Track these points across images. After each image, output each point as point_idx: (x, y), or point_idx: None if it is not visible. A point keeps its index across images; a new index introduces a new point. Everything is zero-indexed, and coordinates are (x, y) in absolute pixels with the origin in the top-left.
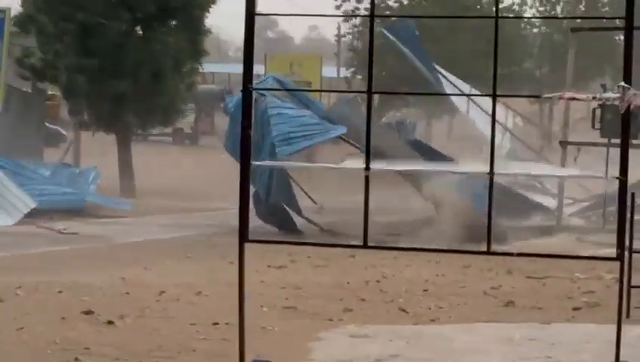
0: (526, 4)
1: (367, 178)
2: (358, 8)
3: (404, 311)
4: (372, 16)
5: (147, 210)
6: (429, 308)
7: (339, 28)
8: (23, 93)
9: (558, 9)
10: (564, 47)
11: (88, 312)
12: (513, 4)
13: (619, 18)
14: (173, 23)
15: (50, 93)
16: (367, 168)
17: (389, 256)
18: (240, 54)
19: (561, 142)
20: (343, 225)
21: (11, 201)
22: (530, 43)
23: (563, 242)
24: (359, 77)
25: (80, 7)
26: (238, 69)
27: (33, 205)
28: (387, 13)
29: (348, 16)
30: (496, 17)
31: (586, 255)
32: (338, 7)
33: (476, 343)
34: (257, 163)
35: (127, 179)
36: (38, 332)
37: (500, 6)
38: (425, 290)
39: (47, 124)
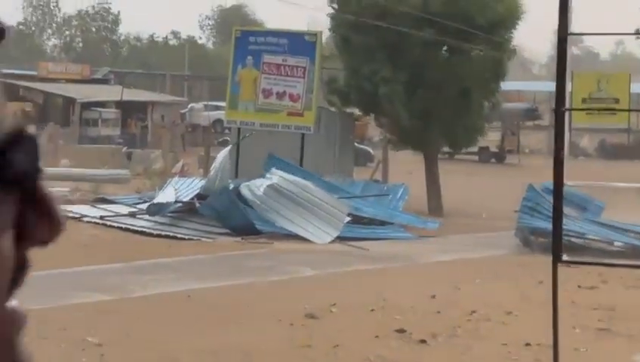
0: None
1: None
2: None
3: None
4: None
5: (454, 229)
6: None
7: None
8: (333, 113)
9: None
10: None
11: (401, 331)
12: None
13: None
14: (477, 42)
15: (357, 113)
16: None
17: None
18: (544, 72)
19: None
20: None
21: (329, 211)
22: None
23: None
24: None
25: (389, 25)
26: (543, 86)
27: (348, 211)
28: None
29: None
30: None
31: None
32: None
33: None
34: (570, 183)
35: (435, 198)
36: (353, 349)
37: None
38: None
39: (356, 144)
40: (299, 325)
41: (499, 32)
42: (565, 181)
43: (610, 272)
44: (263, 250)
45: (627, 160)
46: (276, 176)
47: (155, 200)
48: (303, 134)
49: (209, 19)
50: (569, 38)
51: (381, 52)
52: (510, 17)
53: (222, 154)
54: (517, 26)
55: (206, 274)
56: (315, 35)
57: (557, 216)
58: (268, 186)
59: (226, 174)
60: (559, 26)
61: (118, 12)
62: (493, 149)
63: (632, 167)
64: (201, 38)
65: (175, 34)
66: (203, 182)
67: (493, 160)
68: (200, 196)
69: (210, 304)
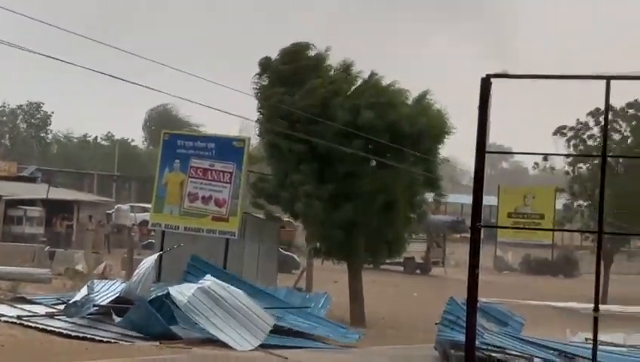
0: None
1: (595, 319)
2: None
3: None
4: (604, 156)
5: (375, 340)
6: None
7: (571, 164)
8: (258, 219)
9: None
10: None
11: None
12: None
13: None
14: (405, 153)
15: (285, 220)
16: (597, 309)
17: None
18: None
19: None
20: None
21: (253, 320)
22: None
23: None
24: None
25: (317, 135)
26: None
27: (273, 322)
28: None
29: (579, 156)
30: None
31: None
32: (568, 142)
33: None
34: (484, 299)
35: (357, 308)
36: None
37: None
38: None
39: (281, 250)
40: None
41: (425, 144)
42: (480, 297)
43: None
44: (181, 355)
45: (550, 275)
46: (209, 281)
47: (72, 301)
48: (227, 239)
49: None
50: (497, 155)
51: (308, 162)
52: (435, 129)
53: (148, 260)
54: (444, 138)
55: None
56: (243, 140)
57: (470, 333)
58: (198, 289)
59: (149, 281)
60: (477, 144)
61: (52, 112)
62: (419, 260)
63: (555, 283)
64: (133, 140)
65: (108, 135)
66: (124, 285)
67: (418, 271)
68: (120, 299)
69: None
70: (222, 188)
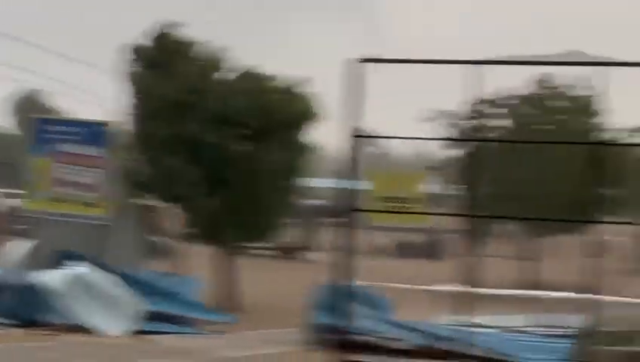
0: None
1: (466, 300)
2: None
3: None
4: (474, 139)
5: (248, 324)
6: None
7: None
8: (129, 204)
9: None
10: None
11: None
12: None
13: None
14: (276, 139)
15: (154, 204)
16: (467, 291)
17: None
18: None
19: None
20: None
21: (123, 306)
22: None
23: None
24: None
25: (186, 121)
26: (341, 183)
27: (142, 308)
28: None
29: (448, 139)
30: (605, 143)
31: None
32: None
33: None
34: (360, 283)
35: (231, 292)
36: None
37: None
38: None
39: (152, 236)
40: None
41: (296, 130)
42: (355, 280)
43: None
44: (49, 342)
45: (422, 258)
46: (80, 268)
47: None
48: (98, 225)
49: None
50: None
51: (181, 147)
52: (307, 116)
53: (18, 247)
54: (315, 125)
55: None
56: (113, 125)
57: (343, 317)
58: (69, 275)
59: (22, 268)
60: (350, 128)
61: None
62: (293, 245)
63: (426, 266)
64: None
65: None
66: None
67: (291, 256)
68: None
69: None
70: (92, 173)
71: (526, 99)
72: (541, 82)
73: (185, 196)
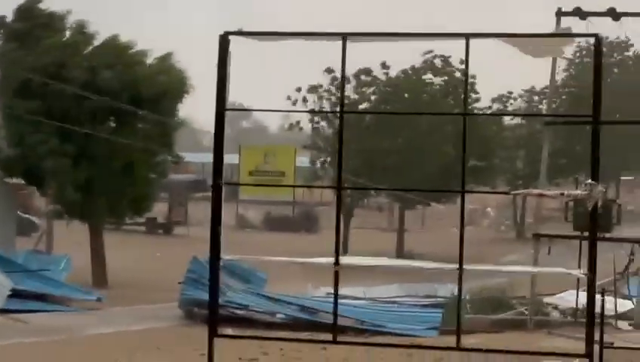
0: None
1: (336, 272)
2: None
3: None
4: (341, 112)
5: (119, 301)
6: None
7: (312, 120)
8: None
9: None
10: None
11: None
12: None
13: (586, 116)
14: (146, 112)
15: (21, 182)
16: (337, 263)
17: (359, 347)
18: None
19: (534, 235)
20: None
21: None
22: (506, 136)
23: (535, 336)
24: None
25: (55, 96)
26: (210, 158)
27: (11, 286)
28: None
29: (317, 112)
30: (465, 114)
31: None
32: (308, 100)
33: None
34: (227, 257)
35: (100, 269)
36: None
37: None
38: None
39: (20, 213)
40: None
41: (164, 104)
42: (222, 255)
43: (272, 344)
44: None
45: (292, 232)
46: None
47: None
48: None
49: None
50: (234, 112)
51: (46, 123)
52: (175, 89)
53: None
54: (183, 98)
55: None
56: None
57: (213, 291)
58: None
59: None
60: (217, 101)
61: None
62: (161, 220)
63: (297, 239)
64: None
65: None
66: None
67: (160, 231)
68: None
69: None
70: None
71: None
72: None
73: (50, 173)
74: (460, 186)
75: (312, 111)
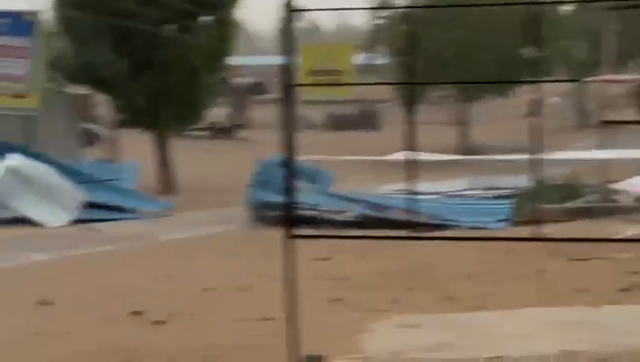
0: None
1: (410, 169)
2: None
3: (450, 298)
4: (408, 7)
5: (188, 206)
6: (476, 295)
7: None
8: (59, 94)
9: None
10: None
11: (136, 313)
12: None
13: None
14: (205, 18)
15: (85, 93)
16: (410, 159)
17: (432, 242)
18: (270, 46)
19: (602, 122)
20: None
21: (63, 196)
22: (568, 23)
23: (606, 223)
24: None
25: (114, 5)
26: (269, 60)
27: (82, 197)
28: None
29: (381, 8)
30: (529, 2)
31: (630, 236)
32: None
33: (525, 328)
34: (304, 158)
35: (167, 176)
36: (89, 334)
37: None
38: (470, 277)
39: (84, 124)
40: (32, 312)
41: (224, 8)
42: (296, 156)
43: (343, 243)
44: None
45: (354, 130)
46: (15, 160)
47: None
48: (28, 116)
49: None
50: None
51: (107, 32)
52: None
53: None
54: (242, 1)
55: None
56: (36, 13)
57: (288, 194)
58: (4, 169)
59: None
60: (283, 3)
61: None
62: (224, 125)
63: (360, 137)
64: None
65: None
66: None
67: (223, 135)
68: None
69: None
70: (18, 64)
71: None
72: None
73: (112, 82)
74: (519, 77)
75: (373, 8)
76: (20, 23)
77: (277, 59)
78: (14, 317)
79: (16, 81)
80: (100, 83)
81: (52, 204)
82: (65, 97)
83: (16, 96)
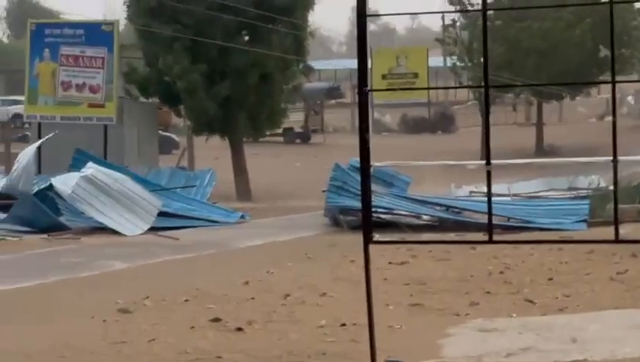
0: None
1: (488, 172)
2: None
3: (530, 301)
4: (484, 10)
5: (264, 213)
6: (556, 298)
7: (443, 18)
8: (134, 103)
9: None
10: None
11: (216, 320)
12: None
13: None
14: (278, 23)
15: (159, 102)
16: (489, 163)
17: (511, 245)
18: (343, 49)
19: None
20: None
21: (141, 205)
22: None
23: None
24: (460, 64)
25: (187, 14)
26: (343, 64)
27: (160, 205)
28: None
29: (457, 12)
30: (611, 2)
31: None
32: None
33: (607, 331)
34: (377, 164)
35: (242, 182)
36: (169, 342)
37: None
38: (550, 279)
39: (160, 132)
40: (112, 321)
41: (296, 13)
42: (372, 162)
43: (420, 246)
44: (71, 246)
45: (428, 133)
46: (91, 169)
47: None
48: (105, 125)
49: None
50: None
51: (180, 41)
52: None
53: (26, 153)
54: (314, 6)
55: (13, 274)
56: (112, 24)
57: (366, 199)
58: (82, 178)
59: (31, 174)
60: (358, 5)
61: None
62: (298, 130)
63: (434, 140)
64: None
65: None
66: (4, 180)
67: (298, 140)
68: (1, 195)
69: (19, 305)
70: (95, 74)
71: None
72: None
73: (186, 91)
74: (597, 77)
75: (447, 12)
76: (97, 33)
77: (351, 63)
78: (96, 325)
79: (93, 91)
80: (171, 93)
81: (129, 212)
82: (141, 106)
83: (93, 105)
